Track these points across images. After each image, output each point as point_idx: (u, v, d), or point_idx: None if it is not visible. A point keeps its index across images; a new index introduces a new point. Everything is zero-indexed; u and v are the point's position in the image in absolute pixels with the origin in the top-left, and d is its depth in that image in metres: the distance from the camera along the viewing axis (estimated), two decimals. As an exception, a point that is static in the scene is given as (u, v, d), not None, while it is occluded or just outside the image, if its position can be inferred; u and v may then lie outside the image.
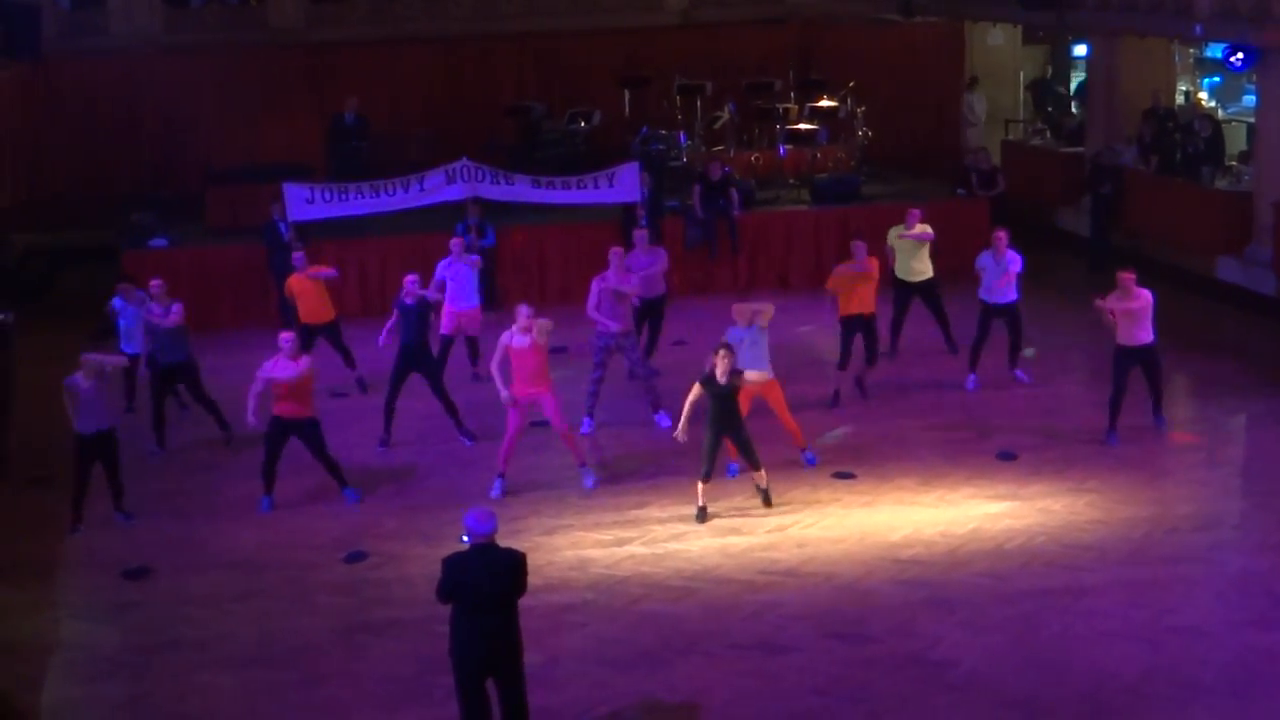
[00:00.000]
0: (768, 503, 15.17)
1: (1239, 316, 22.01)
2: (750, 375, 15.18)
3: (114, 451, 15.46)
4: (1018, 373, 19.02)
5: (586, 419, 17.66)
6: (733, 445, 15.15)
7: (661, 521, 15.04)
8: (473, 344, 19.45)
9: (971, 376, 18.88)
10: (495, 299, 21.57)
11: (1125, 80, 26.87)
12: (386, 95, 29.85)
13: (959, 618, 12.78)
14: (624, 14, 31.46)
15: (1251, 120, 25.21)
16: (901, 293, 19.65)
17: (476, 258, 19.33)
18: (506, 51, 30.90)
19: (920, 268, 19.67)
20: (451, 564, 10.16)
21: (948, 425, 17.61)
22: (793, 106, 27.79)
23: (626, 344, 17.75)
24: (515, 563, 10.20)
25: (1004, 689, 11.59)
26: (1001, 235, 18.54)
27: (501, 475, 15.86)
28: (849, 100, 27.41)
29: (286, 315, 22.10)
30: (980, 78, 31.78)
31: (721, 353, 14.76)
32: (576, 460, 16.04)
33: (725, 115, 27.54)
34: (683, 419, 15.09)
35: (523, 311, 15.56)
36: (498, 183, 22.30)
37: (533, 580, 10.56)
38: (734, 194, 23.98)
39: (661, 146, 26.62)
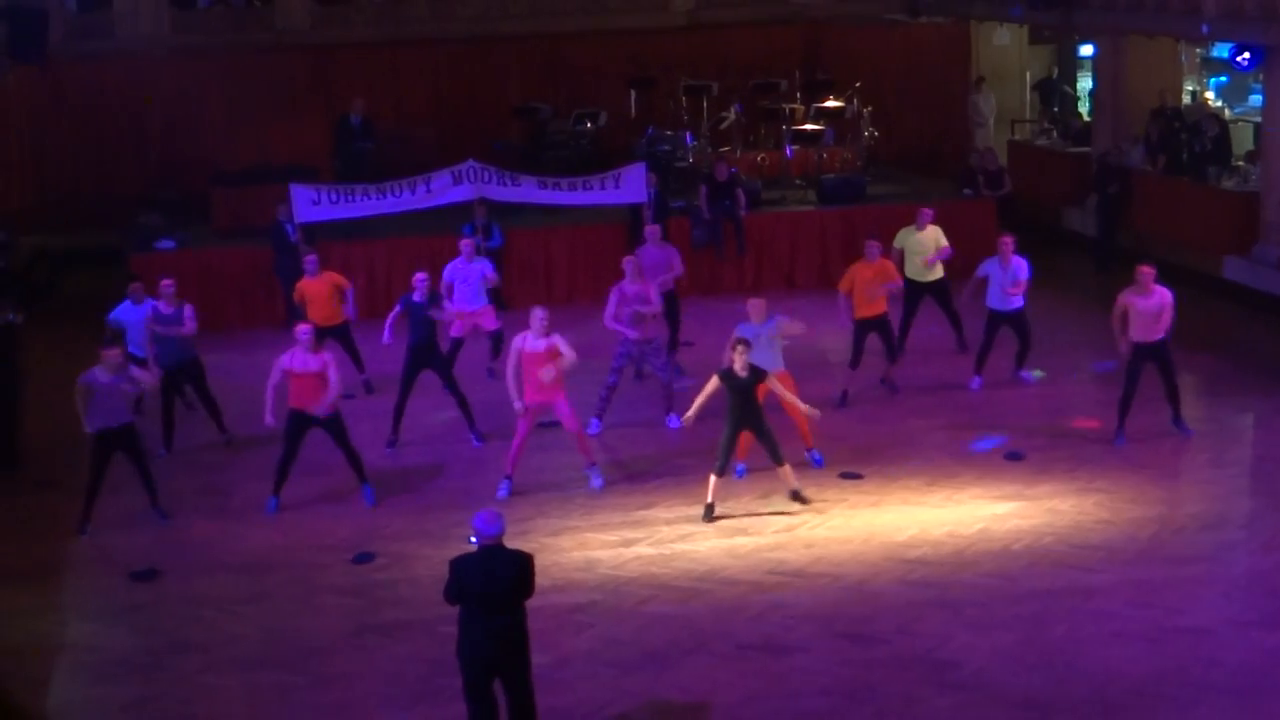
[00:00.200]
0: (802, 500, 15.09)
1: (1246, 316, 22.00)
2: (774, 384, 15.11)
3: (137, 445, 15.40)
4: (1023, 374, 19.01)
5: (595, 420, 17.66)
6: (756, 440, 15.04)
7: (668, 522, 15.04)
8: (496, 339, 19.29)
9: (976, 379, 18.87)
10: (502, 301, 21.56)
11: (1132, 80, 26.86)
12: (392, 97, 29.91)
13: (966, 618, 12.77)
14: (630, 15, 31.49)
15: (1258, 120, 25.18)
16: (912, 293, 19.63)
17: (492, 274, 19.20)
18: (512, 53, 30.93)
19: (930, 269, 19.69)
20: (459, 565, 10.17)
21: (955, 425, 17.61)
22: (799, 107, 27.79)
23: (649, 350, 17.74)
24: (522, 564, 10.21)
25: (1011, 689, 11.58)
26: (1007, 241, 18.48)
27: (508, 477, 15.87)
28: (855, 100, 27.42)
29: (293, 316, 22.16)
30: (986, 78, 31.77)
31: (739, 348, 14.77)
32: (586, 461, 16.03)
33: (731, 116, 27.55)
34: (695, 407, 15.10)
35: (537, 315, 15.48)
36: (504, 184, 22.31)
37: (540, 581, 10.57)
38: (740, 194, 23.98)
39: (668, 147, 26.63)
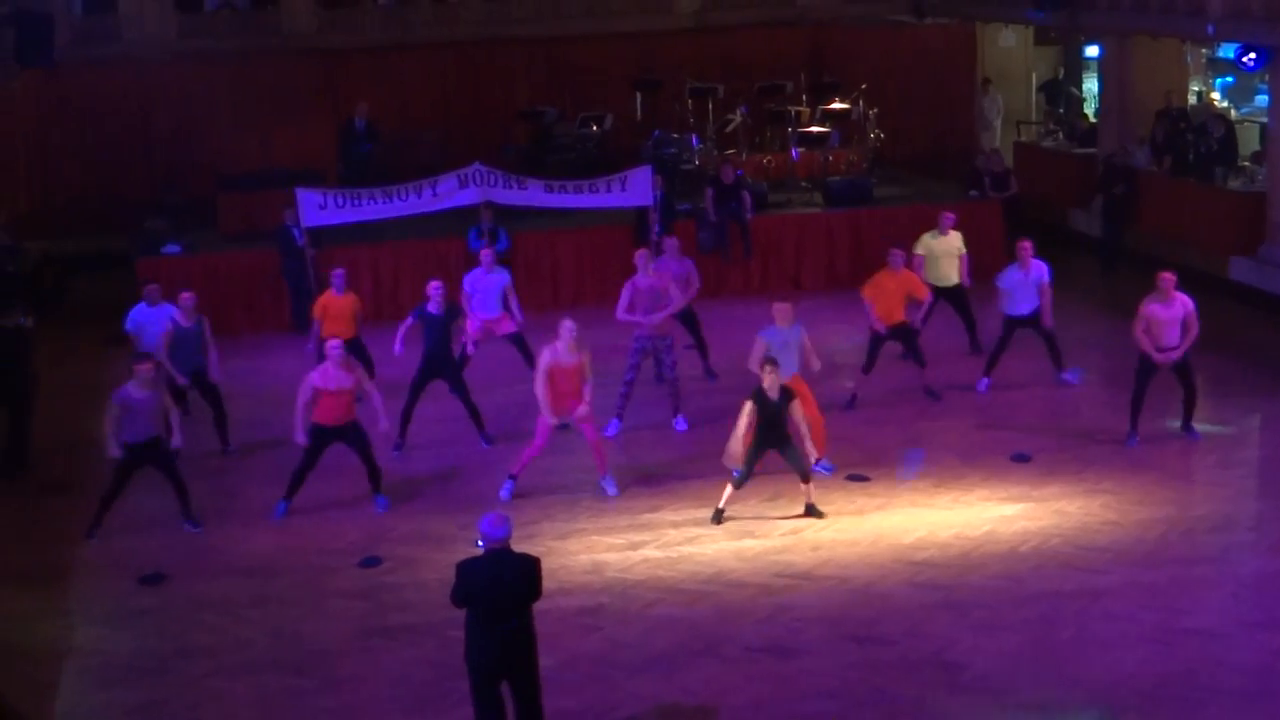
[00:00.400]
0: (817, 515, 15.05)
1: (1252, 317, 21.97)
2: (797, 412, 14.98)
3: (168, 457, 15.33)
4: (1065, 375, 18.95)
5: (615, 420, 17.65)
6: (781, 457, 14.95)
7: (675, 525, 15.04)
8: (521, 344, 19.04)
9: (984, 381, 18.86)
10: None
11: (1138, 81, 26.85)
12: (398, 100, 29.91)
13: (974, 620, 12.77)
14: (635, 18, 31.49)
15: (1264, 120, 25.16)
16: (930, 297, 19.60)
17: (509, 284, 19.13)
18: (518, 56, 30.94)
19: (949, 274, 19.73)
20: (466, 569, 10.17)
21: (962, 428, 17.60)
22: (805, 109, 27.79)
23: (663, 345, 17.73)
24: (529, 567, 10.21)
25: (1018, 691, 11.58)
26: (1027, 246, 18.45)
27: (513, 478, 15.86)
28: (861, 103, 27.41)
29: (300, 319, 22.17)
30: (992, 79, 31.76)
31: (768, 368, 14.73)
32: (601, 471, 15.99)
33: (737, 118, 27.55)
34: (738, 438, 14.74)
35: (567, 327, 15.35)
36: (510, 187, 22.28)
37: (547, 584, 10.56)
38: (746, 197, 24.00)
39: (674, 150, 26.62)
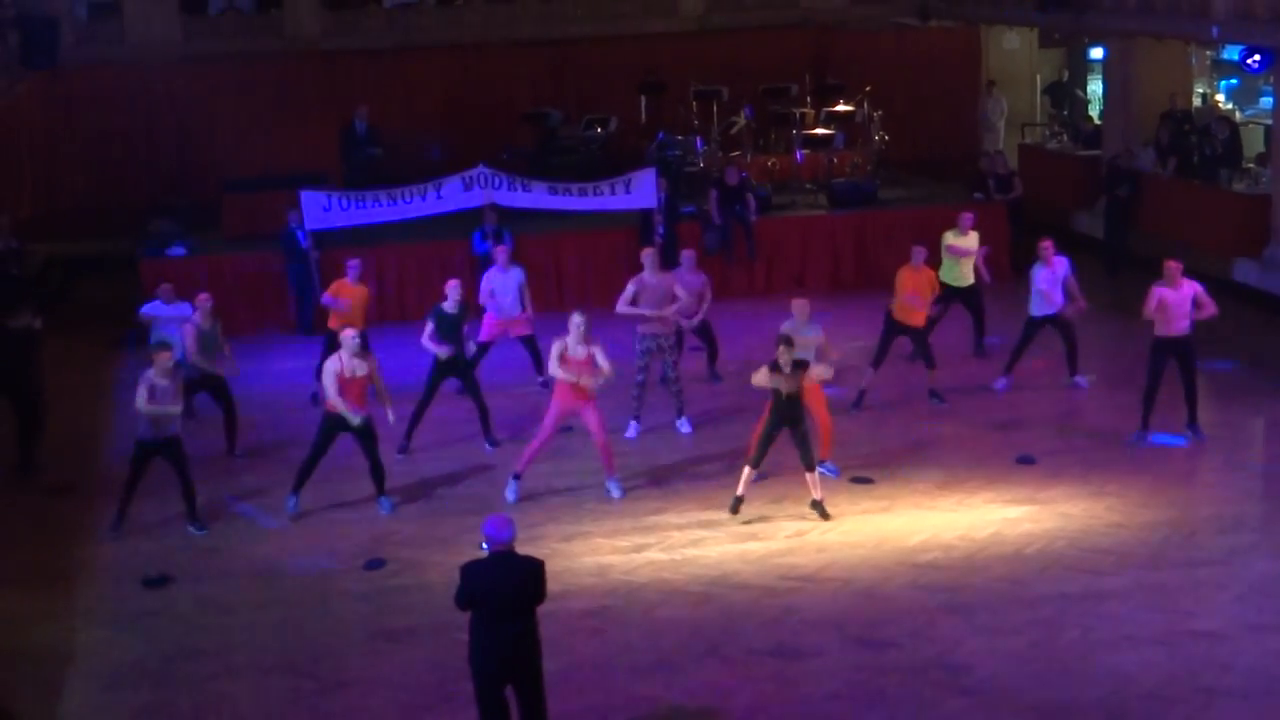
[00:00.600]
0: (822, 512, 15.07)
1: (1257, 318, 21.94)
2: (816, 371, 15.16)
3: (182, 455, 15.38)
4: (1077, 379, 18.93)
5: (633, 422, 17.64)
6: (790, 439, 14.94)
7: (679, 527, 15.03)
8: (532, 346, 19.13)
9: (1003, 380, 18.84)
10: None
11: (1142, 83, 26.84)
12: (402, 103, 29.96)
13: (978, 622, 12.76)
14: (640, 20, 31.52)
15: (1269, 122, 25.16)
16: (944, 298, 19.60)
17: (524, 282, 19.14)
18: (523, 58, 30.96)
19: (966, 274, 19.77)
20: (470, 572, 10.16)
21: (966, 430, 17.59)
22: (809, 111, 27.77)
23: (667, 345, 17.73)
24: (534, 570, 10.20)
25: (1023, 694, 11.57)
26: (1048, 245, 18.43)
27: (517, 476, 15.84)
28: (865, 105, 27.40)
29: (304, 322, 22.19)
30: (996, 81, 31.76)
31: (782, 347, 14.76)
32: (607, 472, 15.96)
33: (742, 120, 27.54)
34: (759, 377, 14.90)
35: (576, 322, 15.36)
36: (515, 189, 22.31)
37: (551, 587, 10.55)
38: (750, 199, 24.00)
39: (678, 152, 26.63)
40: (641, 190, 22.29)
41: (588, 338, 15.37)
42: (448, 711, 11.60)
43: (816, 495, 15.08)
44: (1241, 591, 13.34)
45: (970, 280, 19.86)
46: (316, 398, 18.73)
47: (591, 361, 15.38)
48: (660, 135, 27.20)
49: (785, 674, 12.06)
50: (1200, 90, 29.34)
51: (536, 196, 22.48)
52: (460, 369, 17.37)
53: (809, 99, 28.29)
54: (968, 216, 19.99)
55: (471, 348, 18.12)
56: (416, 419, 17.37)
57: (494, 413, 17.71)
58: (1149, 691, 11.51)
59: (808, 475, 15.06)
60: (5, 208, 25.08)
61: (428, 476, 16.79)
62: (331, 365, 15.43)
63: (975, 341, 20.35)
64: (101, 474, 17.17)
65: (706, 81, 28.45)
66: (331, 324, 18.33)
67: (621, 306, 17.51)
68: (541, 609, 10.31)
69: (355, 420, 15.29)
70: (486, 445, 17.50)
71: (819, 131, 27.08)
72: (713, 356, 19.67)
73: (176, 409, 15.20)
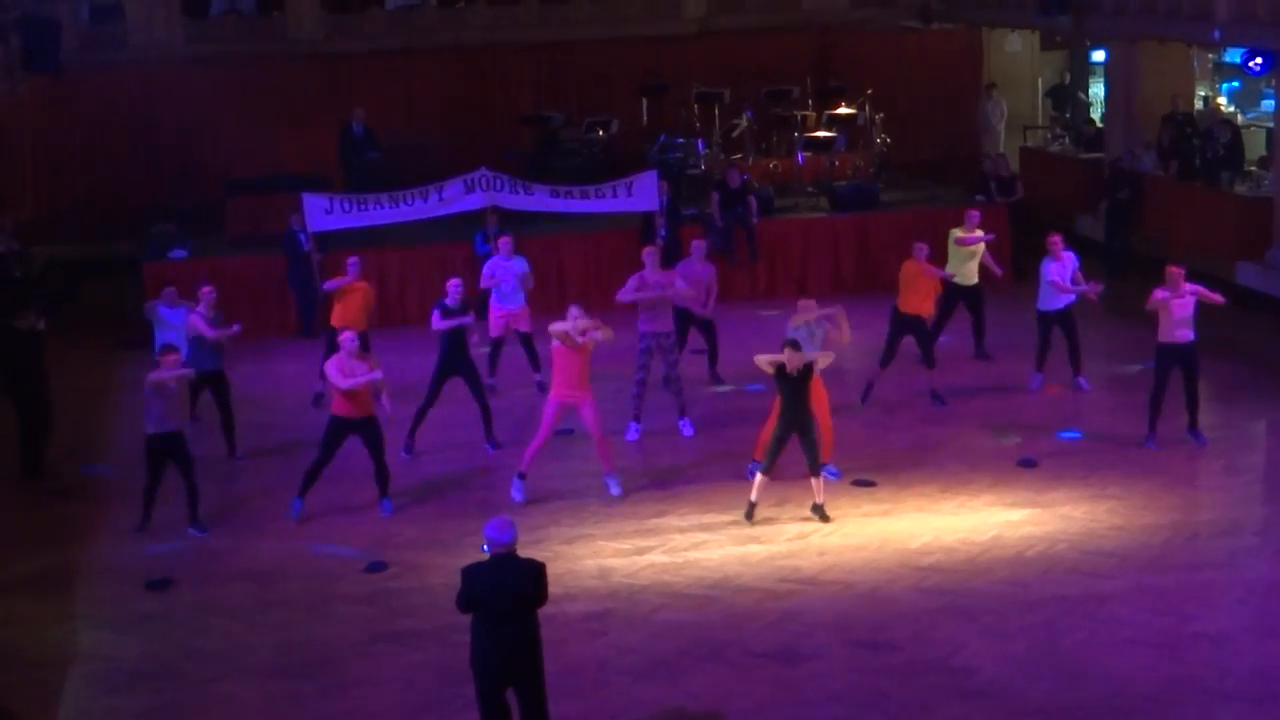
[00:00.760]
0: (824, 517, 15.06)
1: (1258, 321, 21.92)
2: (819, 358, 15.21)
3: (188, 457, 15.42)
4: (1080, 379, 18.94)
5: (633, 424, 17.65)
6: (799, 443, 14.96)
7: (681, 530, 15.04)
8: (529, 345, 19.26)
9: (1037, 378, 18.88)
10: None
11: (1144, 86, 26.84)
12: (404, 105, 29.94)
13: (980, 625, 12.76)
14: (641, 23, 31.51)
15: (1271, 125, 25.17)
16: (949, 298, 19.62)
17: (528, 272, 19.20)
18: (524, 61, 30.95)
19: (971, 273, 19.80)
20: (471, 574, 10.16)
21: (967, 432, 17.59)
22: (811, 114, 27.79)
23: (667, 345, 17.73)
24: (535, 572, 10.20)
25: (1024, 697, 11.57)
26: (1057, 240, 18.49)
27: (522, 476, 15.84)
28: (867, 107, 27.40)
29: (306, 324, 22.19)
30: (998, 84, 31.75)
31: (787, 351, 14.79)
32: (605, 469, 15.98)
33: (743, 123, 27.55)
34: (765, 358, 14.99)
35: (574, 314, 15.45)
36: (516, 192, 22.33)
37: (553, 589, 10.56)
38: (752, 202, 24.00)
39: (680, 154, 26.62)
40: (643, 193, 22.29)
41: (583, 326, 15.40)
42: (449, 713, 11.60)
43: (819, 499, 15.09)
44: (1242, 594, 13.36)
45: (975, 280, 19.86)
46: (319, 399, 18.78)
47: (586, 358, 15.44)
48: (662, 138, 27.20)
49: (787, 677, 12.06)
50: (1202, 93, 29.33)
51: (538, 199, 22.49)
52: (464, 369, 17.37)
53: (811, 101, 28.30)
54: (974, 214, 20.06)
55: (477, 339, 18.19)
56: (420, 418, 17.37)
57: (498, 414, 17.70)
58: (1150, 694, 11.51)
59: (813, 480, 15.07)
60: (7, 210, 25.10)
61: (429, 478, 16.80)
62: (328, 367, 15.47)
63: (976, 344, 20.36)
64: (103, 476, 17.18)
65: (708, 84, 28.46)
66: (334, 321, 18.28)
67: (625, 295, 17.51)
68: (543, 611, 10.31)
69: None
70: (488, 447, 17.50)
71: (821, 134, 27.10)
72: (713, 358, 19.68)
73: (190, 372, 15.54)
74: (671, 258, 20.34)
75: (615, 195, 22.48)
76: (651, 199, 22.28)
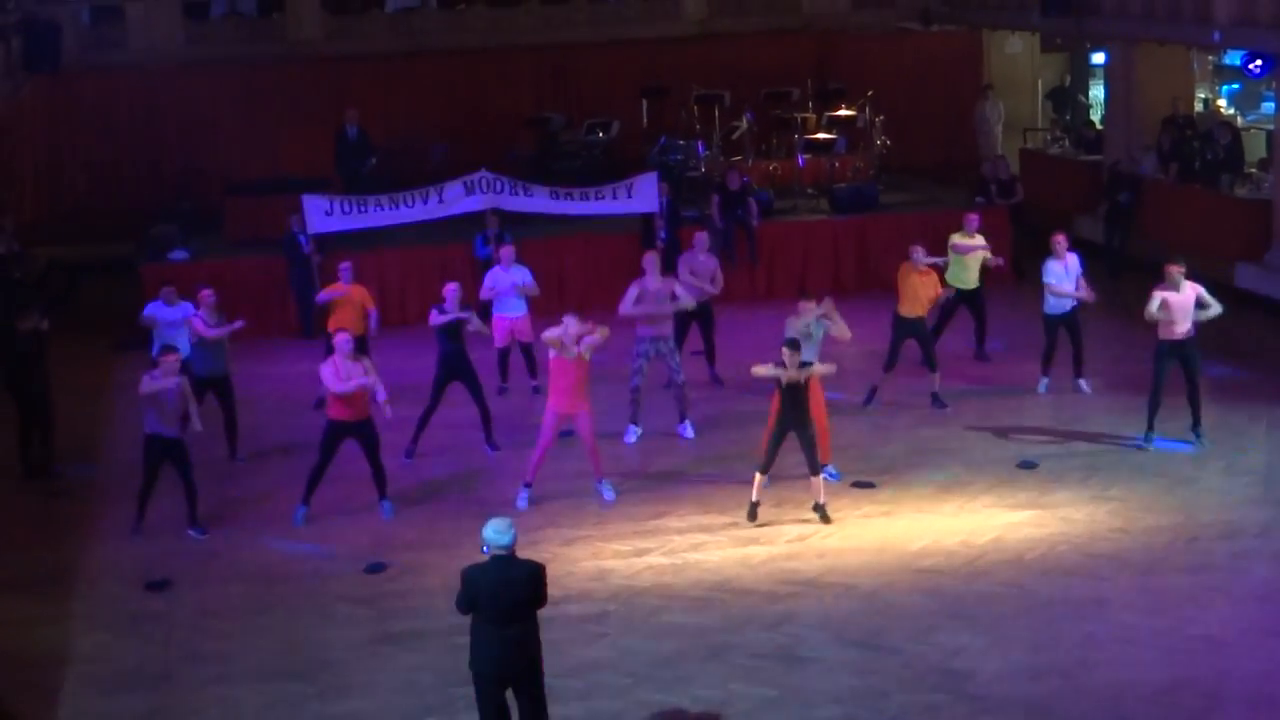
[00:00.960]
0: (824, 517, 15.06)
1: (1258, 323, 21.90)
2: (819, 368, 15.21)
3: (186, 458, 15.41)
4: (1081, 381, 18.92)
5: (632, 427, 17.65)
6: (798, 442, 14.95)
7: (680, 532, 15.03)
8: (528, 353, 19.32)
9: (1044, 380, 18.87)
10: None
11: (1144, 88, 26.85)
12: (404, 107, 29.93)
13: (980, 627, 12.75)
14: (641, 25, 31.54)
15: (1270, 127, 25.17)
16: (949, 300, 19.60)
17: (531, 282, 19.21)
18: (524, 63, 30.97)
19: (971, 277, 19.78)
20: (470, 576, 10.16)
21: (968, 434, 17.58)
22: (811, 116, 27.80)
23: (666, 349, 17.72)
24: (534, 574, 10.19)
25: (1024, 699, 11.56)
26: (1061, 240, 18.48)
27: (528, 485, 15.83)
28: (867, 109, 27.41)
29: (306, 326, 22.17)
30: (998, 86, 31.77)
31: (786, 351, 14.78)
32: (596, 473, 15.98)
33: (743, 125, 27.55)
34: (762, 370, 14.98)
35: (570, 322, 15.43)
36: (516, 194, 22.29)
37: (552, 591, 10.56)
38: (752, 203, 24.00)
39: (680, 156, 26.63)
40: (643, 195, 22.26)
41: (578, 335, 15.37)
42: (448, 715, 11.60)
43: (820, 500, 15.08)
44: (1243, 597, 13.34)
45: (975, 283, 19.84)
46: (321, 403, 18.75)
47: (582, 365, 15.42)
48: (662, 140, 27.20)
49: (787, 679, 12.05)
50: (1202, 95, 29.34)
51: (538, 201, 22.46)
52: (464, 372, 17.37)
53: (811, 103, 28.31)
54: (973, 218, 20.04)
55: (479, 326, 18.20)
56: (423, 422, 17.36)
57: (496, 416, 17.70)
58: (1150, 696, 11.50)
59: (812, 480, 15.07)
60: (7, 211, 25.11)
61: (429, 480, 16.79)
62: (322, 370, 15.46)
63: (977, 346, 20.37)
64: (102, 477, 17.17)
65: (708, 86, 28.46)
66: (330, 326, 18.26)
67: (625, 307, 17.50)
68: (542, 613, 10.30)
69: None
70: (488, 449, 17.50)
71: (821, 136, 27.10)
72: (710, 356, 19.66)
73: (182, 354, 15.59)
74: (672, 260, 20.33)
75: (615, 197, 22.45)
76: (651, 201, 22.26)
